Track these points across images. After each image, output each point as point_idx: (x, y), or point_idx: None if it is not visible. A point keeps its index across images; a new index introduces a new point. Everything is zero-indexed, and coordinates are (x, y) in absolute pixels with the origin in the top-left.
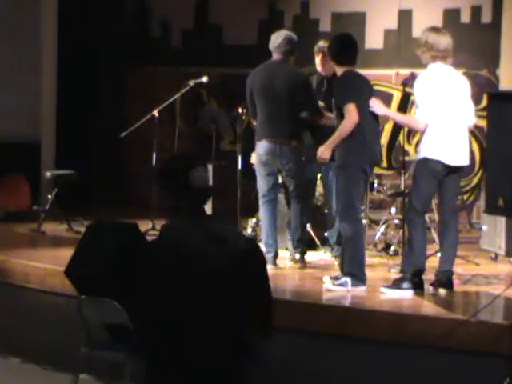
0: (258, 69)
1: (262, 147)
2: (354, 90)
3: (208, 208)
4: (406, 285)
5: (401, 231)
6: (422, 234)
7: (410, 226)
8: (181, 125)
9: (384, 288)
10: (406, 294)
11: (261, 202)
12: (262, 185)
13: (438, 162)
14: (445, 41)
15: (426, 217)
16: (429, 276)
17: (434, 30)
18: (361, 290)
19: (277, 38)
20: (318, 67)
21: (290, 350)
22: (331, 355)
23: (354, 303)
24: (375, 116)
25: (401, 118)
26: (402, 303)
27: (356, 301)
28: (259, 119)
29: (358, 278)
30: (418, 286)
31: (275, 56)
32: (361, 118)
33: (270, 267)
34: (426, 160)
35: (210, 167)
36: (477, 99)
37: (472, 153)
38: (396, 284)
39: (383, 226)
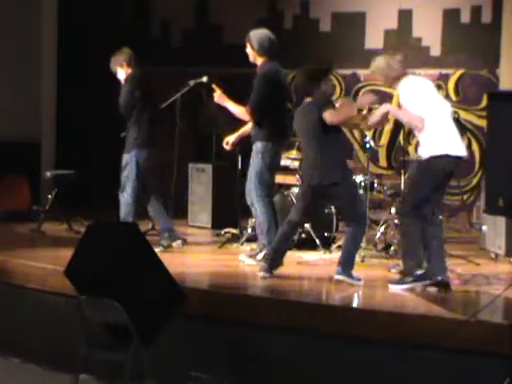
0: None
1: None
2: None
3: (208, 209)
4: (408, 279)
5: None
6: (414, 232)
7: (404, 225)
8: (181, 125)
9: (390, 285)
10: (411, 288)
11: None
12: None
13: (446, 156)
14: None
15: None
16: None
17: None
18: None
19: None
20: None
21: (290, 350)
22: (331, 355)
23: (354, 303)
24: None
25: (404, 114)
26: (402, 303)
27: (356, 301)
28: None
29: None
30: (421, 278)
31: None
32: None
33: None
34: (431, 158)
35: (209, 167)
36: (477, 99)
37: (472, 153)
38: (400, 280)
39: (383, 226)
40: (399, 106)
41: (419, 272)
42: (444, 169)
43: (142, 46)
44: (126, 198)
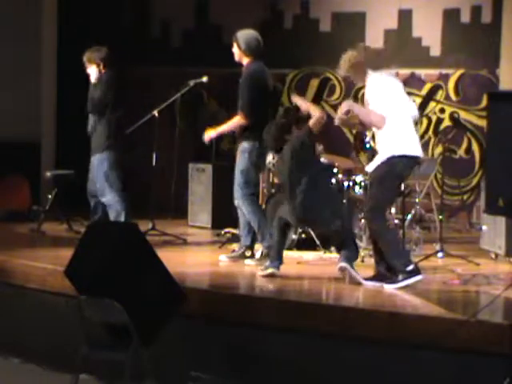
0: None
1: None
2: None
3: (208, 209)
4: (401, 277)
5: (401, 231)
6: (392, 231)
7: (380, 226)
8: (181, 125)
9: (385, 285)
10: (405, 285)
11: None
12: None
13: (404, 156)
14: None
15: (426, 216)
16: (429, 275)
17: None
18: None
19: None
20: None
21: (290, 350)
22: (331, 355)
23: (354, 303)
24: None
25: (365, 113)
26: (402, 303)
27: (356, 301)
28: None
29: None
30: (413, 273)
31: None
32: None
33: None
34: (392, 158)
35: (209, 167)
36: (477, 99)
37: (472, 153)
38: (393, 280)
39: None
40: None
41: (410, 268)
42: (402, 169)
43: (142, 45)
44: (109, 198)
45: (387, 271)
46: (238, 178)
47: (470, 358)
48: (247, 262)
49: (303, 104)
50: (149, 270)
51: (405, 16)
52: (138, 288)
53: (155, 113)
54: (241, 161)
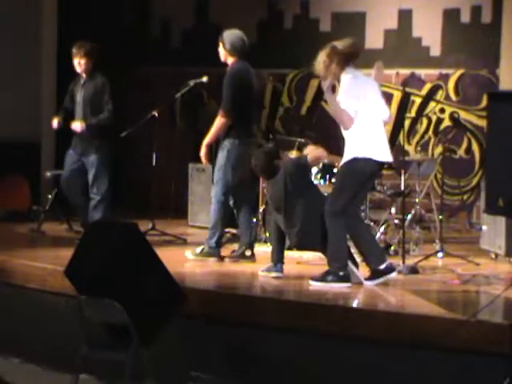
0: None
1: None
2: None
3: (208, 209)
4: (330, 278)
5: (401, 231)
6: (343, 232)
7: (331, 225)
8: (181, 125)
9: (311, 281)
10: (330, 287)
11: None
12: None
13: (369, 159)
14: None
15: (426, 216)
16: (428, 276)
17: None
18: None
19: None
20: None
21: (290, 350)
22: (331, 355)
23: (354, 303)
24: None
25: (337, 108)
26: (402, 303)
27: (356, 301)
28: None
29: None
30: (343, 279)
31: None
32: None
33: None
34: (355, 160)
35: (209, 167)
36: (477, 99)
37: (472, 153)
38: (322, 277)
39: (383, 226)
40: (399, 106)
41: (341, 273)
42: (366, 171)
43: (142, 45)
44: (97, 198)
45: (377, 268)
46: (215, 175)
47: (470, 357)
48: (187, 254)
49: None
50: (149, 270)
51: (405, 16)
52: (138, 288)
53: (155, 113)
54: (219, 159)
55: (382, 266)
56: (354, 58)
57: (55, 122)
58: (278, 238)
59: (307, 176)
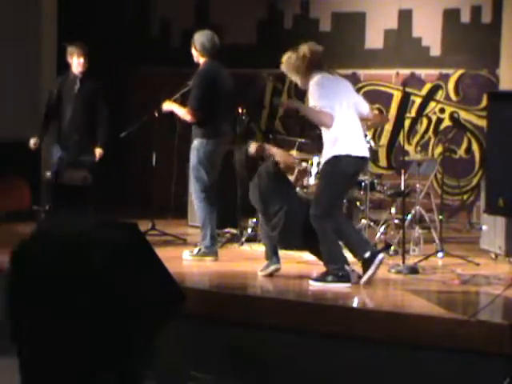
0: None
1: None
2: None
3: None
4: (330, 278)
5: (401, 231)
6: (332, 233)
7: (320, 228)
8: (180, 124)
9: (311, 281)
10: (330, 287)
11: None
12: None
13: (348, 156)
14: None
15: (426, 217)
16: (428, 276)
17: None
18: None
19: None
20: None
21: (290, 350)
22: (331, 355)
23: (354, 303)
24: None
25: (312, 112)
26: (402, 303)
27: (356, 301)
28: None
29: None
30: (343, 279)
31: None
32: None
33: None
34: (335, 158)
35: None
36: (477, 99)
37: (472, 153)
38: (321, 277)
39: (383, 226)
40: (399, 106)
41: (341, 273)
42: (349, 169)
43: (142, 45)
44: None
45: (364, 257)
46: (190, 175)
47: (469, 358)
48: (185, 255)
49: (276, 154)
50: (149, 270)
51: (405, 16)
52: (137, 288)
53: (155, 113)
54: (191, 158)
55: (367, 255)
56: (321, 64)
57: (32, 143)
58: (267, 235)
59: (279, 181)
